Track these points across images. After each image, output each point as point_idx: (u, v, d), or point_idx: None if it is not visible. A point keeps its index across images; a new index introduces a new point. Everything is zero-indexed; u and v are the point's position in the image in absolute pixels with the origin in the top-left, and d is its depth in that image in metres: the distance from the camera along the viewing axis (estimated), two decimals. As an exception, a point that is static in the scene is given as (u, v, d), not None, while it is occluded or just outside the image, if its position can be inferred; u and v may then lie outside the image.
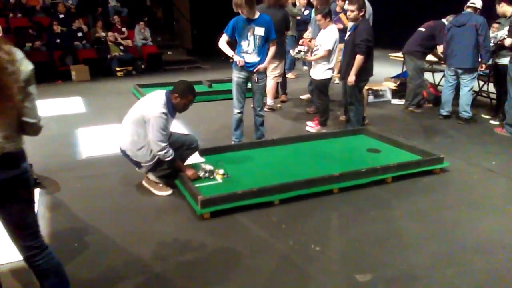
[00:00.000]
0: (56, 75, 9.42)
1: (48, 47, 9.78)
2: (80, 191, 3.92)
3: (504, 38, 5.45)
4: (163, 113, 3.62)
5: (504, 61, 5.70)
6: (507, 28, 5.55)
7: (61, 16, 10.64)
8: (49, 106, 7.05)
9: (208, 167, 4.03)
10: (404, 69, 7.48)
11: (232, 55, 4.64)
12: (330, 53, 5.29)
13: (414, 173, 4.16)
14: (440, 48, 6.37)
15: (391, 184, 4.03)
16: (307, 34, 6.67)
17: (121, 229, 3.25)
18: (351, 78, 5.12)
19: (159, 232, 3.21)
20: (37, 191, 3.85)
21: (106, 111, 6.80)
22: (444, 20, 6.44)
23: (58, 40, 9.92)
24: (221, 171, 4.03)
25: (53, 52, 9.75)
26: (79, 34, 10.47)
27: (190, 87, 3.79)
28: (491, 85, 6.95)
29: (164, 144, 3.63)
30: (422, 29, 6.55)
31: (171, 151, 3.69)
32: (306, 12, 9.00)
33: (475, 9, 5.88)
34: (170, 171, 3.84)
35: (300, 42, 5.73)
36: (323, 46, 5.28)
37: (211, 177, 4.00)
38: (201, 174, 3.99)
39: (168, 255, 2.92)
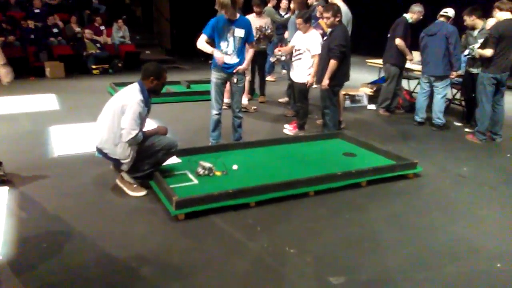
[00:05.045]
0: (29, 71, 9.19)
1: (22, 42, 9.53)
2: (51, 189, 3.82)
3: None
4: (141, 100, 3.64)
5: (476, 70, 5.87)
6: (480, 40, 5.70)
7: (37, 11, 10.39)
8: (21, 103, 6.87)
9: (207, 164, 4.01)
10: (381, 75, 7.61)
11: (212, 51, 4.59)
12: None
13: (388, 178, 4.22)
14: (397, 41, 6.48)
15: (366, 188, 4.08)
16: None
17: (93, 229, 3.17)
18: (325, 82, 5.18)
19: (132, 233, 3.15)
20: (6, 189, 3.74)
21: (80, 109, 6.66)
22: (405, 15, 6.57)
23: (32, 36, 9.68)
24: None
25: (27, 47, 9.50)
26: (55, 30, 10.25)
27: (160, 67, 3.86)
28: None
29: (136, 132, 3.59)
30: (389, 34, 6.71)
31: (140, 134, 3.64)
32: (287, 16, 9.05)
33: (447, 18, 6.03)
34: (147, 172, 3.79)
35: (276, 50, 5.82)
36: (312, 52, 5.30)
37: (211, 174, 3.99)
38: (201, 171, 3.96)
39: (141, 256, 2.86)
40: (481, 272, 2.83)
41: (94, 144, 3.82)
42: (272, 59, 5.99)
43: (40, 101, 7.10)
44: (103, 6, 12.30)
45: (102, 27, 10.89)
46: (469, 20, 5.96)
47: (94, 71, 9.91)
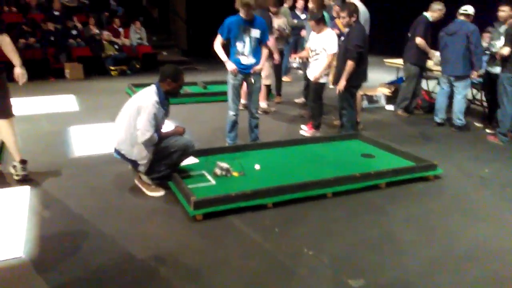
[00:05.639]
0: (49, 72, 9.34)
1: (42, 44, 9.69)
2: (71, 189, 3.87)
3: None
4: (156, 101, 3.66)
5: (496, 70, 5.73)
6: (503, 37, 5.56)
7: (56, 13, 10.55)
8: (41, 103, 6.98)
9: (225, 165, 4.03)
10: (399, 75, 7.51)
11: (226, 61, 4.64)
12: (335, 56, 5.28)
13: (407, 179, 4.16)
14: (418, 40, 6.38)
15: (385, 189, 4.03)
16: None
17: (113, 229, 3.21)
18: (342, 83, 5.12)
19: (150, 233, 3.17)
20: (28, 188, 3.80)
21: (99, 110, 6.74)
22: (425, 13, 6.47)
23: (52, 38, 9.84)
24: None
25: (47, 49, 9.66)
26: (74, 32, 10.40)
27: (178, 69, 3.88)
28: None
29: (150, 134, 3.62)
30: (408, 34, 6.61)
31: (155, 135, 3.67)
32: (303, 17, 9.01)
33: (467, 16, 5.91)
34: (164, 173, 3.81)
35: (292, 58, 5.93)
36: (328, 51, 5.26)
37: (228, 175, 4.00)
38: (218, 172, 3.98)
39: (159, 256, 2.88)
40: (505, 277, 2.77)
41: (112, 145, 3.86)
42: (289, 65, 6.04)
43: (60, 102, 7.19)
44: (120, 8, 12.44)
45: (120, 29, 11.01)
46: (509, 11, 5.73)
47: (113, 72, 10.01)
